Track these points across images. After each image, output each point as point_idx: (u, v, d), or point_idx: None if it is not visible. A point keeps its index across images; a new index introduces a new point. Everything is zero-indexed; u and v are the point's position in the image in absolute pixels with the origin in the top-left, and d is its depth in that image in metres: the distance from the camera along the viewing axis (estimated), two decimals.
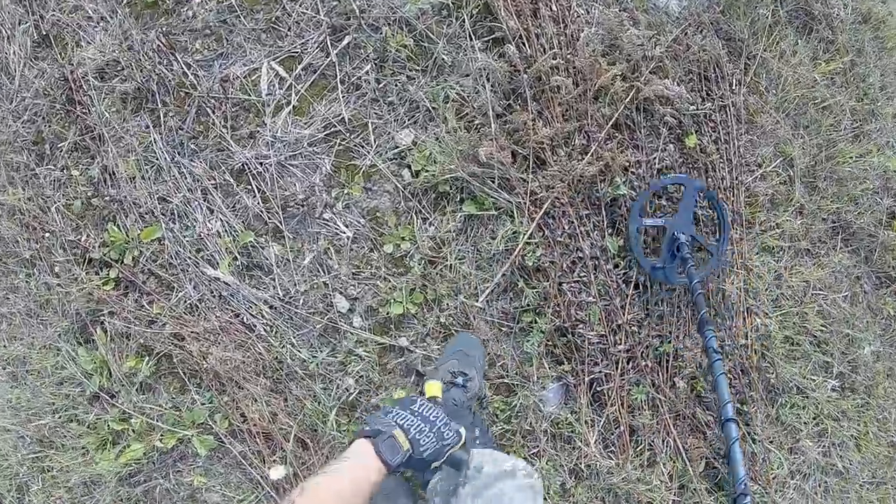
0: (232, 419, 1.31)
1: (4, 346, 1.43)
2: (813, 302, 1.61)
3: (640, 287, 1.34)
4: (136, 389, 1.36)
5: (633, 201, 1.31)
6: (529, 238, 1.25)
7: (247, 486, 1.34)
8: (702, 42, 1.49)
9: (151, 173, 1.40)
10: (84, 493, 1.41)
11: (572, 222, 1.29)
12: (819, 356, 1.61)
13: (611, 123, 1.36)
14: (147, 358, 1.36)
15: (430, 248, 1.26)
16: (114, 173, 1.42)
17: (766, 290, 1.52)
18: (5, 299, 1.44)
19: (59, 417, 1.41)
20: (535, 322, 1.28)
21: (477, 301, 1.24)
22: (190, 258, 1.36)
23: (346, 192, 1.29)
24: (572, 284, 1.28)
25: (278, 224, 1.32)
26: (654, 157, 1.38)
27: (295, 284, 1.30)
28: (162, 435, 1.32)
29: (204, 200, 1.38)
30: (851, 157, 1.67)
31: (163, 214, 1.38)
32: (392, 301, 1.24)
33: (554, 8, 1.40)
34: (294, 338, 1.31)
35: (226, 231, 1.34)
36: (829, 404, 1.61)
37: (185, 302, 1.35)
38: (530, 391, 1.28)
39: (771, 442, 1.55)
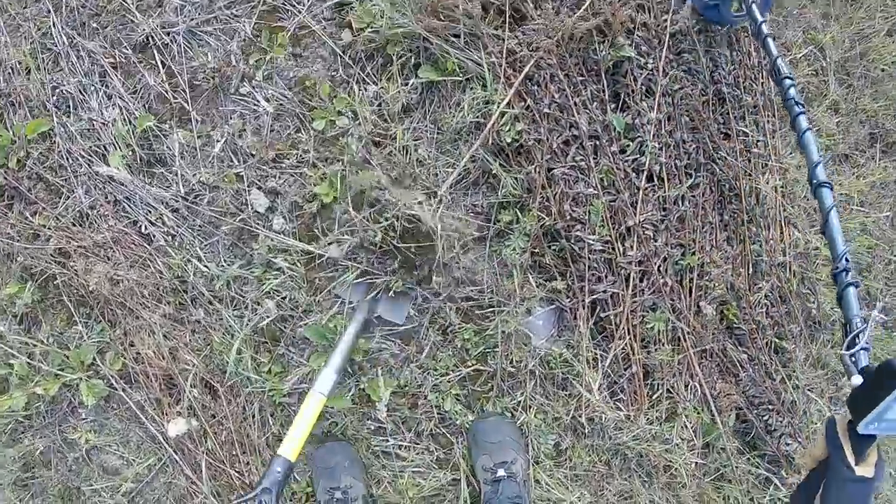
0: (126, 358, 0.82)
1: None
2: (854, 219, 1.07)
3: (656, 179, 0.81)
4: (18, 322, 0.88)
5: None
6: (507, 107, 0.74)
7: (148, 445, 0.82)
8: None
9: (48, 62, 0.91)
10: None
11: (563, 90, 0.77)
12: (863, 283, 1.07)
13: None
14: (29, 283, 0.88)
15: (374, 124, 0.76)
16: (2, 63, 0.95)
17: (804, 196, 0.99)
18: None
19: None
20: (517, 221, 0.74)
21: (437, 193, 0.73)
22: (83, 156, 0.87)
23: (268, 58, 0.79)
24: (566, 171, 0.76)
25: (184, 104, 0.82)
26: (665, 20, 0.86)
27: (202, 179, 0.80)
28: (38, 379, 0.84)
29: (101, 84, 0.89)
30: (887, 56, 1.13)
31: (56, 107, 0.90)
32: (322, 195, 0.73)
33: None
34: (200, 249, 0.80)
35: (124, 119, 0.86)
36: (876, 343, 1.06)
37: (75, 210, 0.85)
38: (512, 317, 0.74)
39: (811, 390, 1.01)
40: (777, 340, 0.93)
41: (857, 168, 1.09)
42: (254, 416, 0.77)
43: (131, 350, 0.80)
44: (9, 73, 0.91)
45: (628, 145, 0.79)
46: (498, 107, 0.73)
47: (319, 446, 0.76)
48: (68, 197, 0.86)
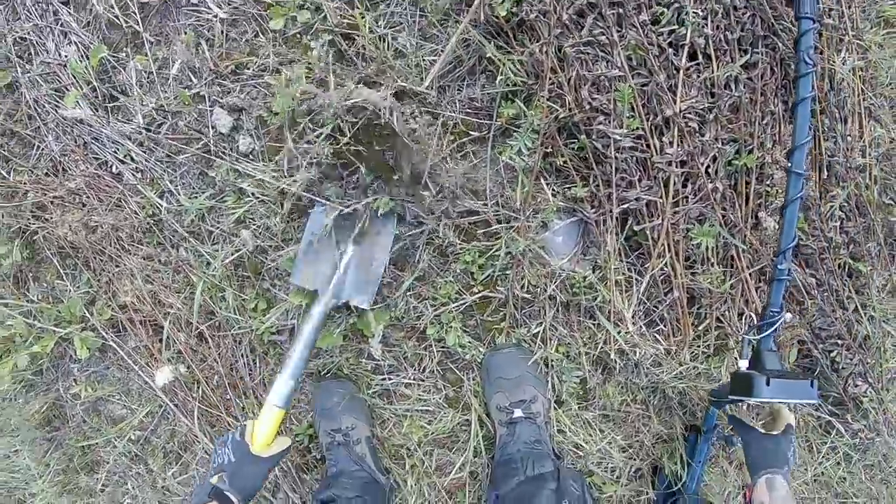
0: (112, 307, 0.74)
1: None
2: None
3: (701, 57, 0.60)
4: (13, 283, 0.82)
5: None
6: None
7: (148, 393, 0.75)
8: None
9: (7, 13, 0.82)
10: None
11: None
12: None
13: None
14: (16, 241, 0.81)
15: (341, 14, 0.60)
16: None
17: (889, 84, 0.75)
18: None
19: None
20: (524, 116, 0.57)
21: (422, 86, 0.56)
22: (48, 102, 0.77)
23: None
24: (582, 48, 0.57)
25: (136, 27, 0.70)
26: None
27: (160, 104, 0.68)
28: (39, 337, 0.78)
29: (56, 23, 0.78)
30: None
31: (18, 57, 0.81)
32: (281, 96, 0.58)
33: None
34: (170, 182, 0.69)
35: (81, 56, 0.75)
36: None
37: (47, 159, 0.76)
38: (523, 232, 0.59)
39: (887, 321, 0.80)
40: (852, 262, 0.73)
41: None
42: (245, 357, 0.67)
43: (116, 298, 0.73)
44: None
45: (662, 13, 0.59)
46: None
47: (317, 384, 0.66)
48: (40, 148, 0.77)
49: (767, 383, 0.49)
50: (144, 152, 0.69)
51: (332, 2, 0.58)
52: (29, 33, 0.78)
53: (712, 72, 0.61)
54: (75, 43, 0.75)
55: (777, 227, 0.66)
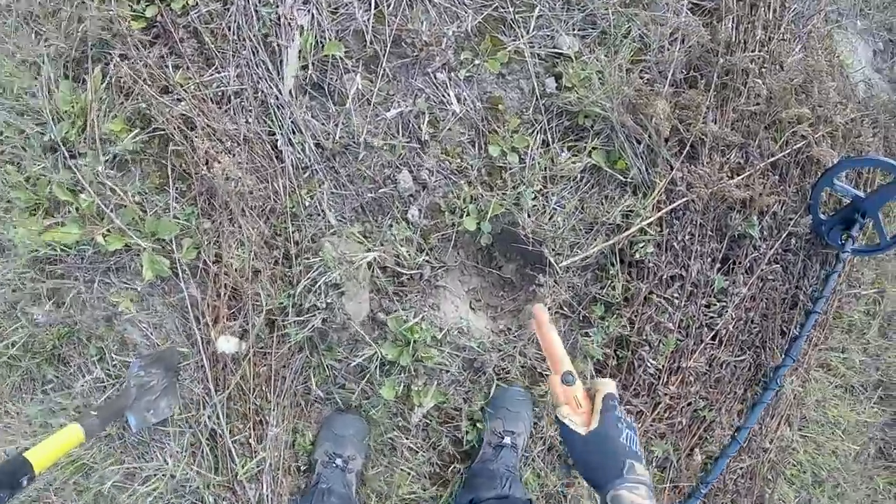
0: (204, 252, 0.93)
1: None
2: (833, 441, 1.40)
3: (717, 339, 1.08)
4: (106, 161, 0.95)
5: (840, 161, 1.07)
6: (648, 226, 0.95)
7: (181, 340, 0.95)
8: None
9: None
10: None
11: (694, 235, 1.00)
12: (813, 497, 1.40)
13: (770, 161, 1.09)
14: (137, 130, 0.95)
15: (538, 180, 0.93)
16: None
17: (811, 405, 1.29)
18: None
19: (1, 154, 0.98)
20: (604, 319, 0.98)
21: (560, 263, 0.91)
22: (252, 38, 0.96)
23: (476, 63, 0.94)
24: (661, 299, 1.00)
25: (378, 53, 0.95)
26: (790, 219, 1.12)
27: (364, 131, 0.93)
28: (108, 230, 0.92)
29: None
30: None
31: None
32: (467, 213, 0.90)
33: (768, 15, 1.12)
34: (330, 195, 0.94)
35: (312, 31, 0.96)
36: None
37: (219, 87, 0.95)
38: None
39: None
40: None
41: (855, 404, 1.42)
42: (296, 364, 0.91)
43: (213, 247, 0.91)
44: None
45: (714, 304, 1.04)
46: (640, 221, 0.94)
47: (338, 413, 0.92)
48: (220, 71, 0.95)
49: None
50: (319, 154, 0.91)
51: (539, 164, 0.91)
52: None
53: (719, 352, 1.07)
54: (314, 17, 0.96)
55: (702, 462, 1.13)
